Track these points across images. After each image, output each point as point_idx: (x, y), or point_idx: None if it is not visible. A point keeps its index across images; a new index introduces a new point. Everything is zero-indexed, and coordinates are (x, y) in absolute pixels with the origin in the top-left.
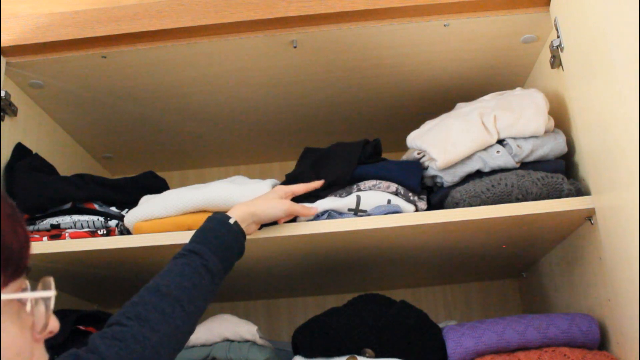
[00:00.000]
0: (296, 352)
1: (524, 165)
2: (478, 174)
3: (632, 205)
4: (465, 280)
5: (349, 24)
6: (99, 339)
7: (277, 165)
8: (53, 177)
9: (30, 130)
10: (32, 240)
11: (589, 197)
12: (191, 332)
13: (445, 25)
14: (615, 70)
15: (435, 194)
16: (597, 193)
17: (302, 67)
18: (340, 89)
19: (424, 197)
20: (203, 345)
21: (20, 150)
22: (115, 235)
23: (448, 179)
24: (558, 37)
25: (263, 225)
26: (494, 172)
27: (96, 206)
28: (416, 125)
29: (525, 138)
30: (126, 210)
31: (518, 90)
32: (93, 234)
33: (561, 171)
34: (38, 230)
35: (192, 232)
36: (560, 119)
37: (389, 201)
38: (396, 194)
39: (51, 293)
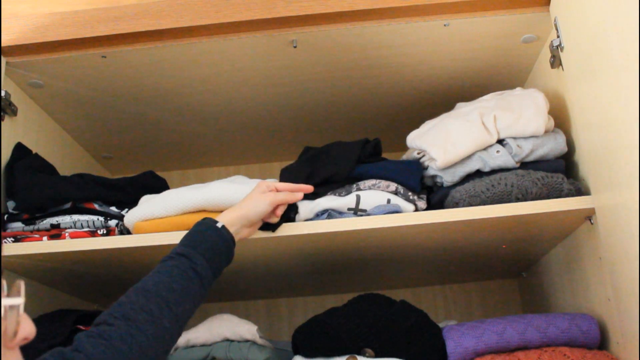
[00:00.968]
0: (296, 352)
1: (524, 165)
2: (478, 173)
3: (632, 205)
4: (465, 280)
5: (349, 24)
6: (85, 338)
7: (277, 165)
8: (53, 177)
9: (30, 130)
10: (32, 240)
11: (588, 197)
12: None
13: (445, 25)
14: (615, 70)
15: (435, 194)
16: (597, 193)
17: (301, 67)
18: (340, 89)
19: (424, 196)
20: (203, 345)
21: (20, 150)
22: (115, 235)
23: (448, 178)
24: (558, 37)
25: (261, 229)
26: (493, 172)
27: (96, 206)
28: (416, 125)
29: (525, 138)
30: (126, 210)
31: (518, 90)
32: (93, 233)
33: (561, 171)
34: (38, 230)
35: None
36: (560, 118)
37: (388, 201)
38: (396, 193)
39: (19, 300)
